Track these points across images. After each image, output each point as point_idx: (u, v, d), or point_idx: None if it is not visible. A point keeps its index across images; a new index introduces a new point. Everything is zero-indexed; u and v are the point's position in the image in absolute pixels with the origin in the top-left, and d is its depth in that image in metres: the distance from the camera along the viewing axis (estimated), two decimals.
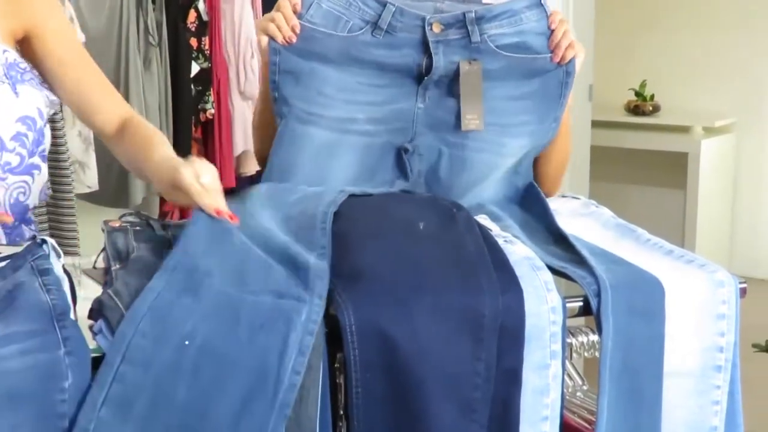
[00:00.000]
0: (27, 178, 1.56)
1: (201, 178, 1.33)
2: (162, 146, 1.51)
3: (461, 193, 1.60)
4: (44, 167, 1.62)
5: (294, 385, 1.11)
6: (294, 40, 1.56)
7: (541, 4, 1.62)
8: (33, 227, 1.64)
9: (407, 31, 1.57)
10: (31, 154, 1.55)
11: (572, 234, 1.45)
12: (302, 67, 1.57)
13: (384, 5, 1.58)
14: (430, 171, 1.60)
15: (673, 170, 5.04)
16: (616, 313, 1.27)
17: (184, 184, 1.33)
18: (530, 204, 1.59)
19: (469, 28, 1.58)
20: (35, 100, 1.55)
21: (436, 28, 1.57)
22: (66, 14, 2.86)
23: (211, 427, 1.09)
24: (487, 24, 1.59)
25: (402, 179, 1.57)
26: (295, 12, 1.57)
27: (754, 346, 2.97)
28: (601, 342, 1.27)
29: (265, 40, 1.58)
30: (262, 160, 1.69)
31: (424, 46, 1.57)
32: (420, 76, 1.58)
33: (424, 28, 1.57)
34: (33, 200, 1.60)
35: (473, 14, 1.58)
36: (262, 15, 2.87)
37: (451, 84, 1.58)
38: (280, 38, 1.56)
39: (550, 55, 1.61)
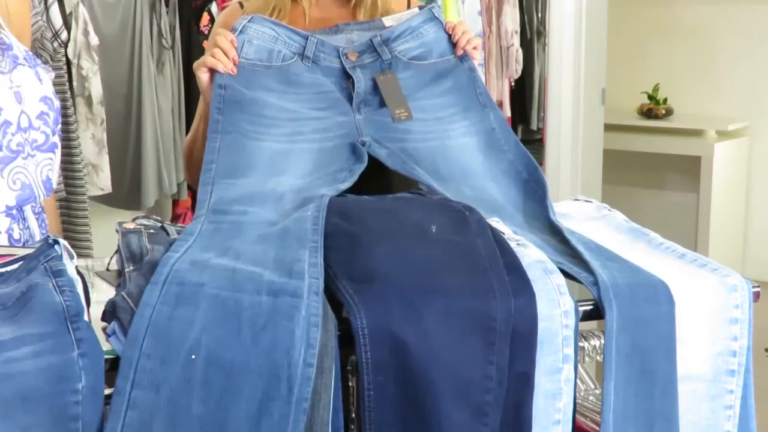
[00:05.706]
0: (51, 155, 1.63)
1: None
2: None
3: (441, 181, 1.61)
4: (60, 146, 1.71)
5: (309, 378, 1.12)
6: (235, 71, 1.65)
7: (436, 17, 1.79)
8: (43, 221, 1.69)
9: (329, 60, 1.73)
10: (53, 133, 1.65)
11: (568, 228, 1.45)
12: (246, 95, 1.64)
13: (306, 38, 1.72)
14: (388, 159, 1.62)
15: (685, 174, 5.03)
16: (618, 296, 1.27)
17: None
18: (530, 192, 1.60)
19: (379, 50, 1.74)
20: (49, 81, 1.67)
21: (352, 57, 1.73)
22: (80, 17, 2.88)
23: None
24: (393, 43, 1.76)
25: (359, 163, 1.58)
26: (232, 45, 1.66)
27: None
28: (605, 324, 1.27)
29: (205, 77, 1.66)
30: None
31: (347, 73, 1.72)
32: (350, 97, 1.69)
33: (340, 58, 1.73)
34: (55, 178, 1.67)
35: (379, 38, 1.75)
36: None
37: (378, 96, 1.70)
38: (221, 68, 1.64)
39: (451, 56, 1.77)
